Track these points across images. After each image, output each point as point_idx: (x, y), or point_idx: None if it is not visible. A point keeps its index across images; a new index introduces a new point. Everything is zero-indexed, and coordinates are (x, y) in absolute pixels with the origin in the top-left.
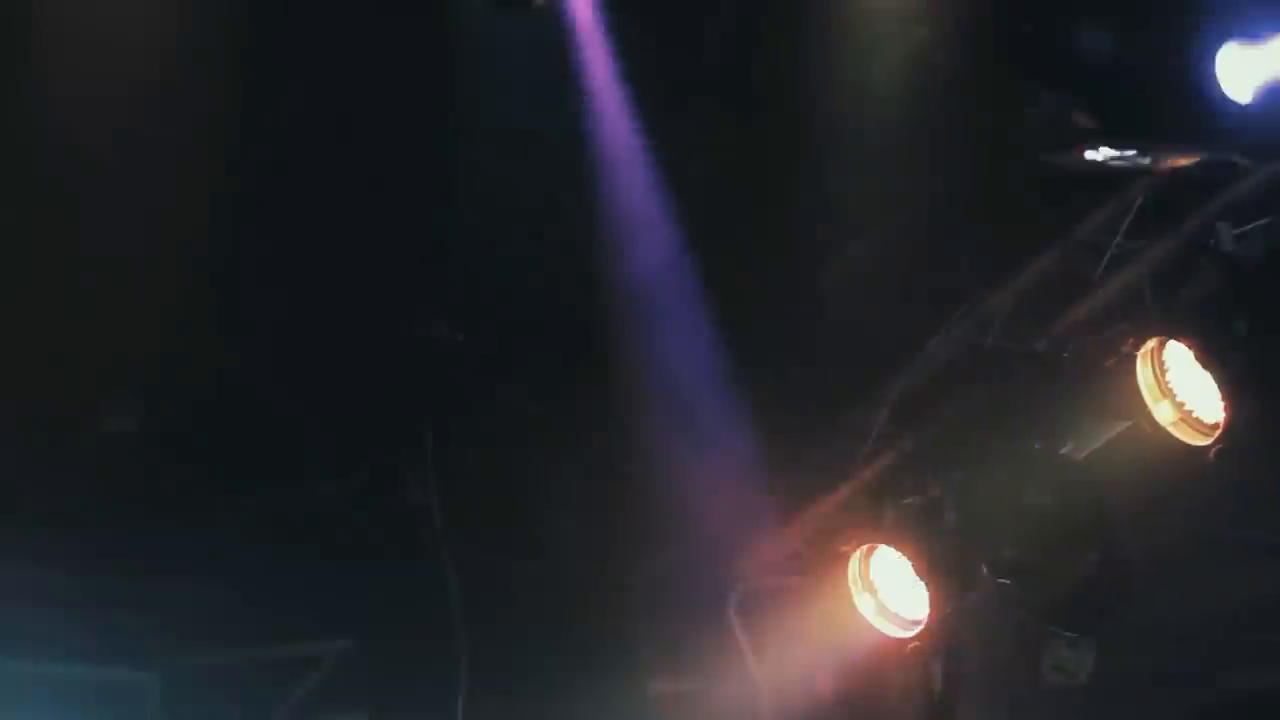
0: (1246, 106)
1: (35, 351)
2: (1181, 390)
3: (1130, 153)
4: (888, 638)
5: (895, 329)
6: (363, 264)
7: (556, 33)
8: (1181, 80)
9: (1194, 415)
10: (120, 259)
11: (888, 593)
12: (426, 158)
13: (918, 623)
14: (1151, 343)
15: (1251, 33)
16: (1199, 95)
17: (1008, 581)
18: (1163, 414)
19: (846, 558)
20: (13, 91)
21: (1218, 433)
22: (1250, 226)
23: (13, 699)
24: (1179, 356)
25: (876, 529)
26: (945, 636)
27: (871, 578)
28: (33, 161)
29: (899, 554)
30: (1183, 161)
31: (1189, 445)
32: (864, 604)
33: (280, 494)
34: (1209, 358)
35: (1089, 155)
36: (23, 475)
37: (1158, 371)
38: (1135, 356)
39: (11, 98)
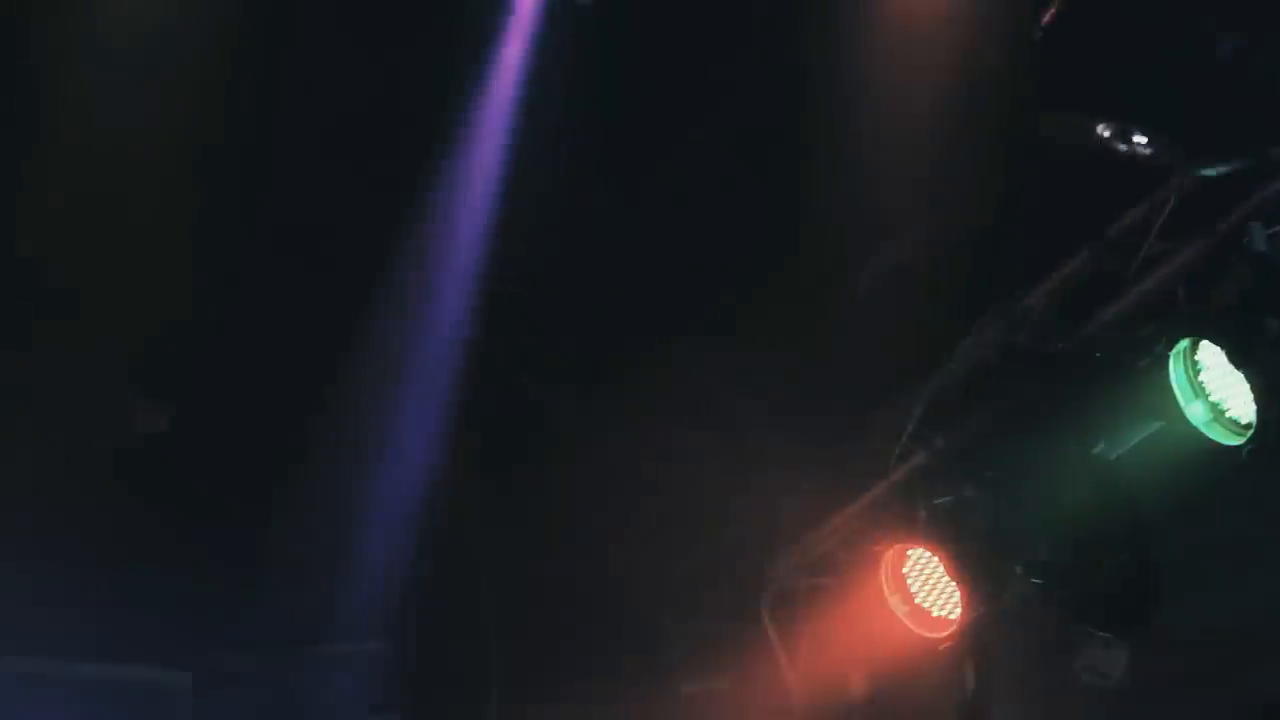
0: None
1: (68, 352)
2: (1214, 390)
3: (1142, 140)
4: (920, 638)
5: (927, 329)
6: (396, 267)
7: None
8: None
9: (1227, 415)
10: (159, 260)
11: (920, 593)
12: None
13: (950, 623)
14: (1184, 343)
15: None
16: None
17: (1040, 582)
18: (1195, 414)
19: (879, 558)
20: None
21: (1250, 432)
22: None
23: (46, 699)
24: (1212, 356)
25: (909, 529)
26: (978, 637)
27: (904, 578)
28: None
29: (931, 554)
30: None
31: (1222, 445)
32: (896, 604)
33: (315, 493)
34: (1241, 357)
35: (1102, 130)
36: (56, 475)
37: (1190, 371)
38: (1168, 356)
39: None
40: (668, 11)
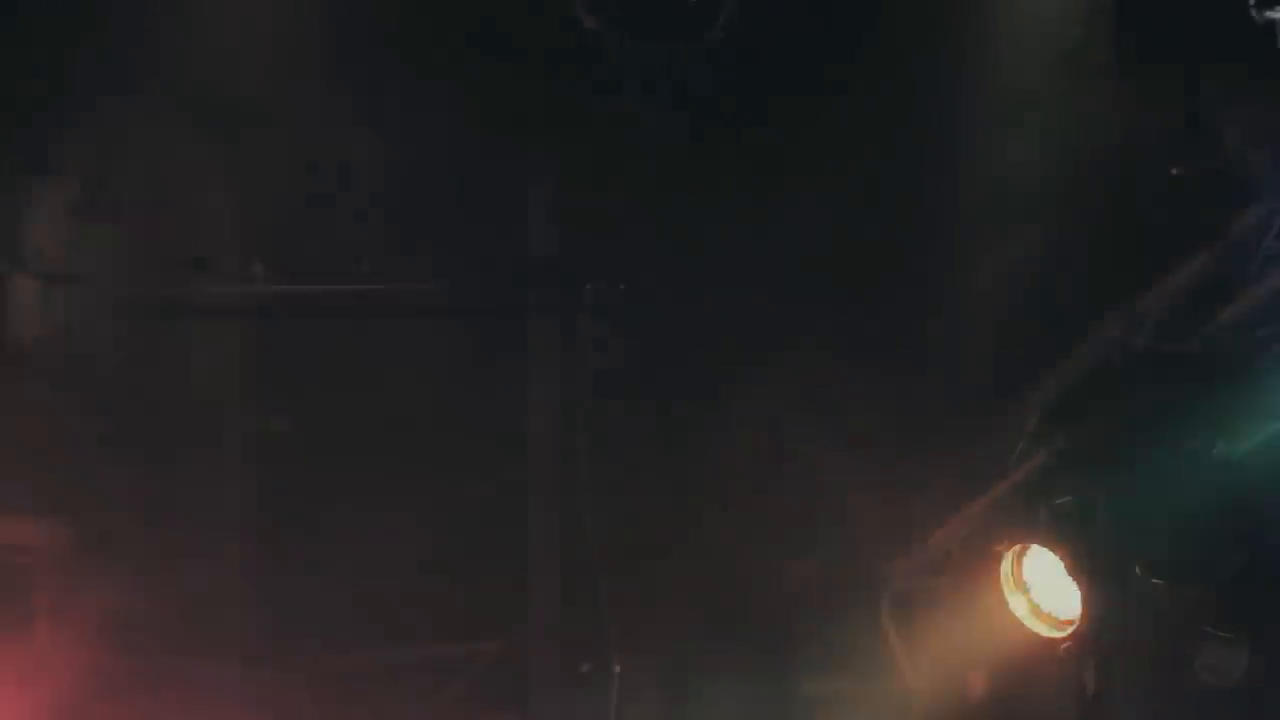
0: None
1: (198, 356)
2: None
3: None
4: (1040, 638)
5: (1048, 329)
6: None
7: None
8: None
9: None
10: None
11: (1040, 593)
12: None
13: (1071, 623)
14: None
15: None
16: None
17: (1161, 581)
18: None
19: (999, 558)
20: None
21: None
22: None
23: (173, 699)
24: None
25: (1029, 529)
26: (1098, 637)
27: (1024, 578)
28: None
29: (1052, 554)
30: None
31: None
32: (1017, 604)
33: (435, 493)
34: None
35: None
36: (183, 474)
37: None
38: None
39: None
40: None
